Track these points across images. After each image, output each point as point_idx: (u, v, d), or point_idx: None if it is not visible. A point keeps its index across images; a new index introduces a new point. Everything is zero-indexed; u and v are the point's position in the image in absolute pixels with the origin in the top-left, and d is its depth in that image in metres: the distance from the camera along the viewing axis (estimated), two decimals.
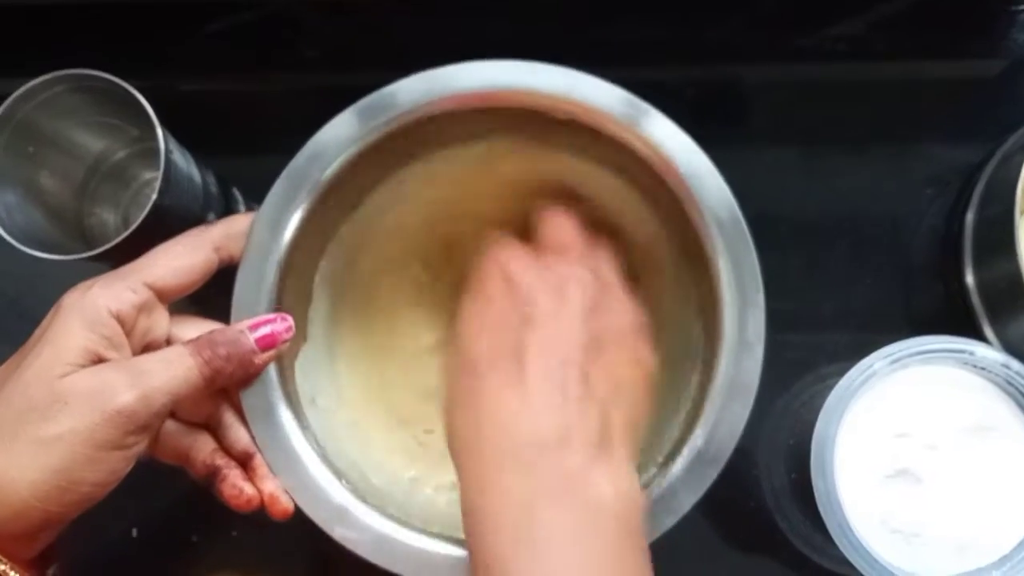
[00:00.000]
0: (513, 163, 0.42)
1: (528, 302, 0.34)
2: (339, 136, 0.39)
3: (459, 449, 0.33)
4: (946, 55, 0.52)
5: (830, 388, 0.41)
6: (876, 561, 0.39)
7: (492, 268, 0.37)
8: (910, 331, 0.48)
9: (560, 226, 0.39)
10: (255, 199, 0.51)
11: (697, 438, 0.36)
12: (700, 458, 0.36)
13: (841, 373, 0.41)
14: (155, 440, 0.37)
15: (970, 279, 0.47)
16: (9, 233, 0.39)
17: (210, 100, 0.54)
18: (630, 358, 0.35)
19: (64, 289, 0.44)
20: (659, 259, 0.42)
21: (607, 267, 0.38)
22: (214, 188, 0.46)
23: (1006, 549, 0.40)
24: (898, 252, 0.49)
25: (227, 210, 0.48)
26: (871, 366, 0.40)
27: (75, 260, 0.39)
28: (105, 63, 0.53)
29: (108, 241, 0.47)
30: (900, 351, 0.40)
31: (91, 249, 0.45)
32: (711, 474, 0.36)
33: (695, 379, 0.39)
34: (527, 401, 0.32)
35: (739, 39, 0.52)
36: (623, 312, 0.37)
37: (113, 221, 0.48)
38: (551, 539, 0.29)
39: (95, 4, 0.51)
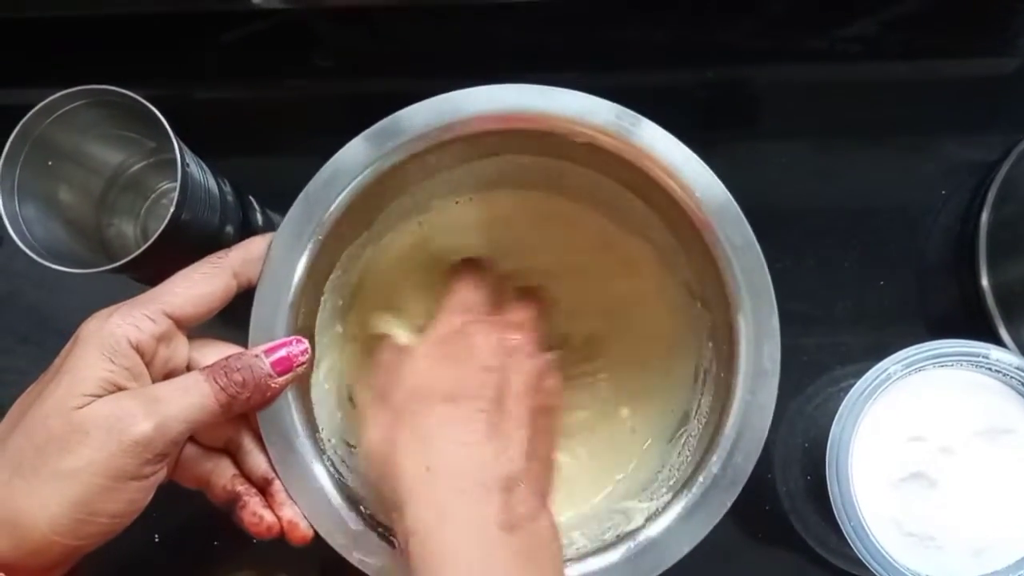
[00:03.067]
0: (525, 185, 0.43)
1: (481, 358, 0.38)
2: (353, 160, 0.39)
3: (412, 478, 0.34)
4: (960, 54, 0.51)
5: (844, 391, 0.41)
6: (891, 564, 0.39)
7: (453, 320, 0.40)
8: (925, 333, 0.48)
9: (467, 296, 0.41)
10: (271, 207, 0.51)
11: (713, 465, 0.36)
12: (716, 484, 0.36)
13: (856, 375, 0.41)
14: (176, 465, 0.37)
15: (985, 281, 0.47)
16: (29, 247, 0.39)
17: (225, 109, 0.54)
18: (551, 407, 0.39)
19: (85, 301, 0.45)
20: (675, 279, 0.43)
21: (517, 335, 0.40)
22: (231, 198, 0.47)
23: (1022, 553, 0.40)
24: (913, 253, 0.49)
25: (244, 219, 0.48)
26: (886, 370, 0.40)
27: (95, 273, 0.40)
28: (121, 74, 0.53)
29: (127, 252, 0.47)
30: (915, 355, 0.40)
31: (110, 260, 0.45)
32: (727, 500, 0.36)
33: (706, 402, 0.39)
34: (483, 441, 0.35)
35: (751, 41, 0.52)
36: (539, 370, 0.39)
37: (132, 232, 0.48)
38: (508, 570, 0.32)
39: (110, 16, 0.51)
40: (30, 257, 0.39)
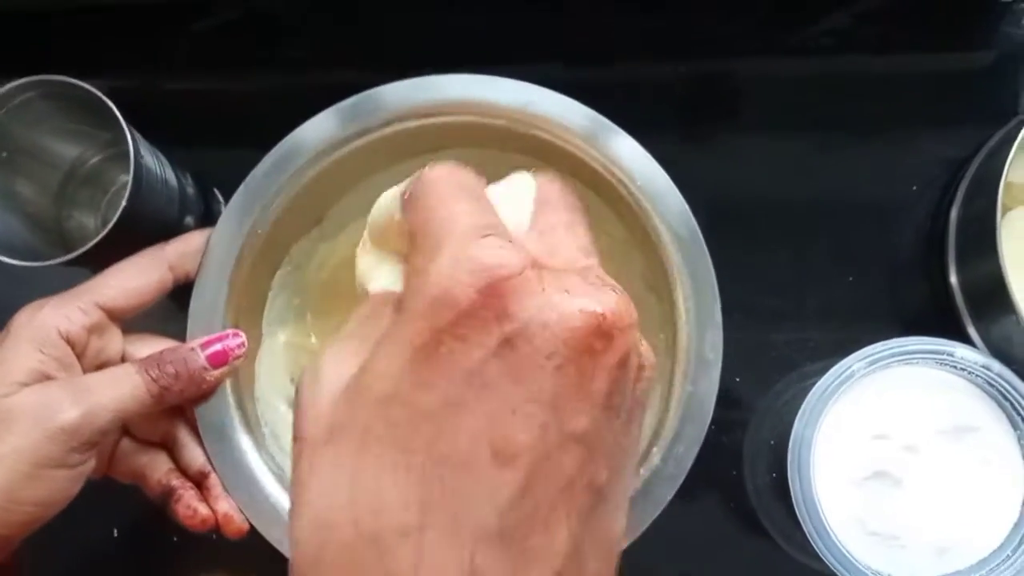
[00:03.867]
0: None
1: None
2: (296, 150, 0.38)
3: None
4: (934, 48, 0.51)
5: (812, 387, 0.41)
6: (852, 563, 0.38)
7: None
8: (895, 330, 0.48)
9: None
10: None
11: (654, 456, 0.36)
12: (658, 476, 0.36)
13: (824, 372, 0.41)
14: (111, 459, 0.37)
15: (954, 278, 0.46)
16: None
17: (194, 100, 0.54)
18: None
19: (42, 294, 0.45)
20: (630, 268, 0.42)
21: None
22: (191, 190, 0.46)
23: (985, 552, 0.40)
24: (884, 249, 0.49)
25: (206, 212, 0.48)
26: (849, 367, 0.40)
27: (51, 266, 0.39)
28: (90, 64, 0.53)
29: (87, 243, 0.47)
30: (879, 352, 0.40)
31: (70, 250, 0.45)
32: (668, 493, 0.36)
33: (655, 394, 0.39)
34: None
35: (725, 34, 0.52)
36: None
37: (92, 225, 0.48)
38: None
39: (80, 6, 0.50)
40: None
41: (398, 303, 0.22)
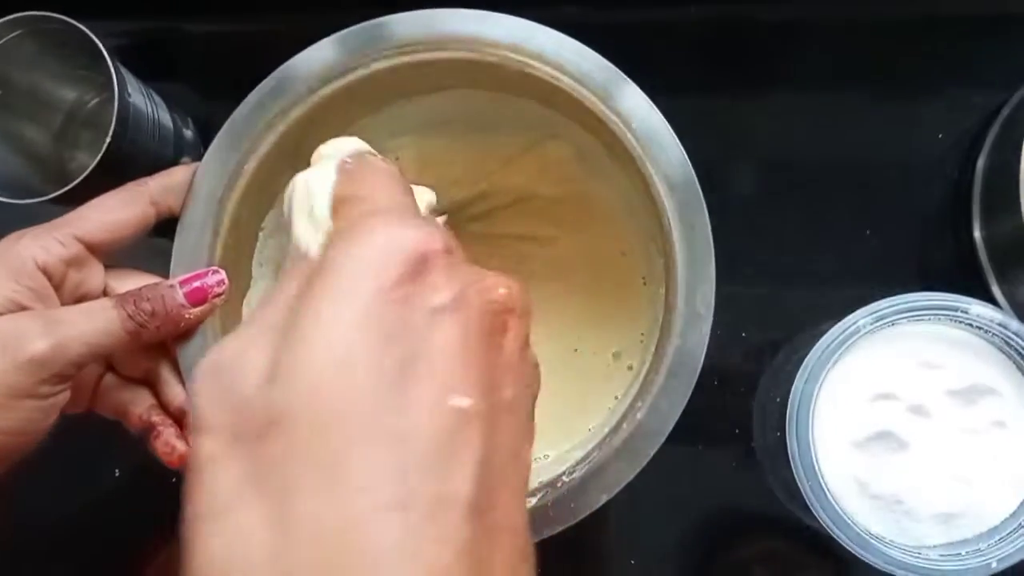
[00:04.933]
0: (476, 114, 0.41)
1: None
2: (291, 81, 0.37)
3: None
4: None
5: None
6: (850, 526, 0.37)
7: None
8: (915, 288, 0.46)
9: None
10: None
11: (638, 410, 0.34)
12: (640, 430, 0.34)
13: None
14: (94, 394, 0.37)
15: (978, 233, 0.44)
16: None
17: (197, 43, 0.53)
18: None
19: None
20: (635, 220, 0.41)
21: None
22: (190, 132, 0.46)
23: (996, 521, 0.38)
24: (908, 202, 0.46)
25: (198, 149, 0.47)
26: (855, 323, 0.38)
27: (45, 204, 0.39)
28: (93, 6, 0.52)
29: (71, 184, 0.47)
30: (886, 308, 0.38)
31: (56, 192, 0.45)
32: (650, 449, 0.34)
33: (649, 351, 0.38)
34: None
35: None
36: None
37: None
38: None
39: None
40: None
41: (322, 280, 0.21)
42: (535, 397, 0.23)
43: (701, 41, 0.50)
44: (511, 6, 0.50)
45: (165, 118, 0.43)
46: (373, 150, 0.28)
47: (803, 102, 0.49)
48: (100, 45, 0.38)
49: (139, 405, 0.37)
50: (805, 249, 0.47)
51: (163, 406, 0.38)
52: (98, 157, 0.38)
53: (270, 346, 0.20)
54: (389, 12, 0.38)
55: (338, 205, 0.24)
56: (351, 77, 0.38)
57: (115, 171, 0.39)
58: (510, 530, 0.20)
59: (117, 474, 0.47)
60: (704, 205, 0.36)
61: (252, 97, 0.38)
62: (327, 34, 0.45)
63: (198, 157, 0.46)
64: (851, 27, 0.48)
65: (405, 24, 0.37)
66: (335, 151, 0.28)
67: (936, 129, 0.46)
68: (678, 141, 0.37)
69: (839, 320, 0.41)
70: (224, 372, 0.20)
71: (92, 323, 0.33)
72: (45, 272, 0.34)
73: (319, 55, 0.37)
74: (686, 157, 0.37)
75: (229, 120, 0.37)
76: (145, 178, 0.37)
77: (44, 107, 0.45)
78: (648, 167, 0.36)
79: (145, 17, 0.52)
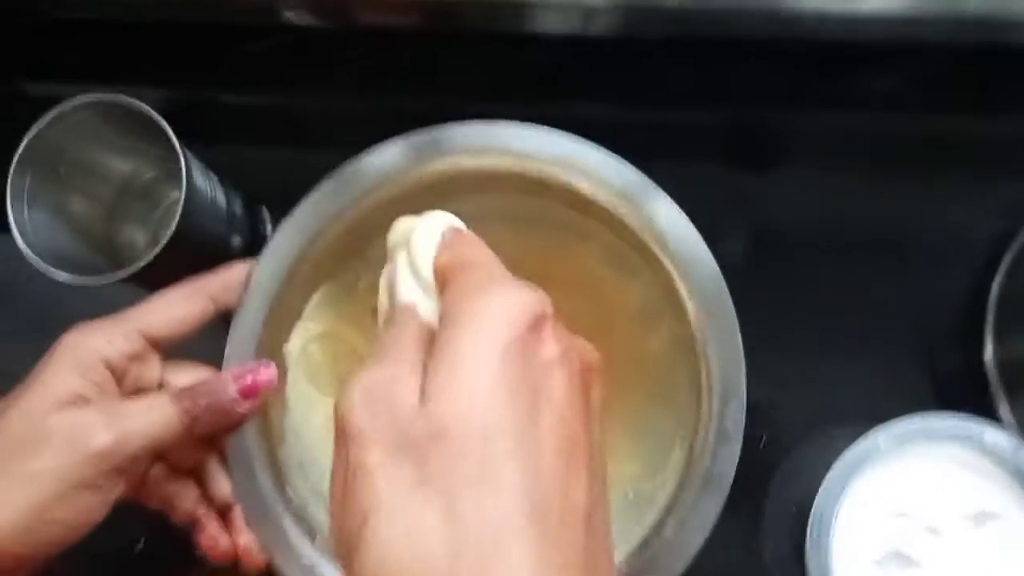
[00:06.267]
0: (519, 212, 0.43)
1: None
2: (350, 184, 0.39)
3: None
4: (983, 112, 0.50)
5: (837, 452, 0.41)
6: None
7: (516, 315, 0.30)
8: (924, 400, 0.48)
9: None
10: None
11: (667, 528, 0.36)
12: (668, 548, 0.35)
13: (848, 437, 0.41)
14: (141, 485, 0.38)
15: (989, 353, 0.45)
16: (38, 255, 0.40)
17: (245, 118, 0.55)
18: None
19: (88, 310, 0.46)
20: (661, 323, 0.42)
21: None
22: (239, 209, 0.47)
23: None
24: (920, 316, 0.48)
25: (253, 231, 0.49)
26: (875, 442, 0.40)
27: (100, 283, 0.41)
28: (142, 76, 0.54)
29: (138, 260, 0.48)
30: (906, 428, 0.40)
31: (119, 265, 0.46)
32: (678, 567, 0.35)
33: (680, 459, 0.39)
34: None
35: (769, 83, 0.52)
36: None
37: (143, 240, 0.49)
38: None
39: (137, 22, 0.52)
40: (35, 264, 0.40)
41: (448, 335, 0.26)
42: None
43: (722, 138, 0.53)
44: (542, 102, 0.53)
45: (220, 196, 0.44)
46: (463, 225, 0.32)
47: (818, 208, 0.51)
48: (168, 128, 0.40)
49: (186, 498, 0.38)
50: (812, 353, 0.49)
51: (208, 499, 0.39)
52: (164, 241, 0.39)
53: (415, 375, 0.25)
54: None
55: (450, 269, 0.29)
56: (408, 178, 0.39)
57: (177, 251, 0.40)
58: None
59: (139, 548, 0.48)
60: (736, 325, 0.37)
61: (313, 195, 0.39)
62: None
63: (247, 233, 0.47)
64: (870, 139, 0.50)
65: (460, 133, 0.39)
66: (434, 223, 0.32)
67: (952, 251, 0.48)
68: (713, 261, 0.38)
69: (852, 427, 0.43)
70: (378, 395, 0.25)
71: (152, 417, 0.34)
72: (109, 367, 0.35)
73: (382, 158, 0.39)
74: (719, 271, 0.39)
75: (289, 218, 0.39)
76: (206, 275, 0.38)
77: (98, 180, 0.46)
78: (682, 286, 0.37)
79: (177, 89, 0.54)
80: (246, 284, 0.38)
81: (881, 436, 0.39)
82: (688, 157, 0.52)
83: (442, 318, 0.27)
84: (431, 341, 0.27)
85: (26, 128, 0.42)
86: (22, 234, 0.40)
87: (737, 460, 0.36)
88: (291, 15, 0.50)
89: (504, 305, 0.26)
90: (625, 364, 0.44)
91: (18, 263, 0.51)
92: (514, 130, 0.39)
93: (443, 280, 0.29)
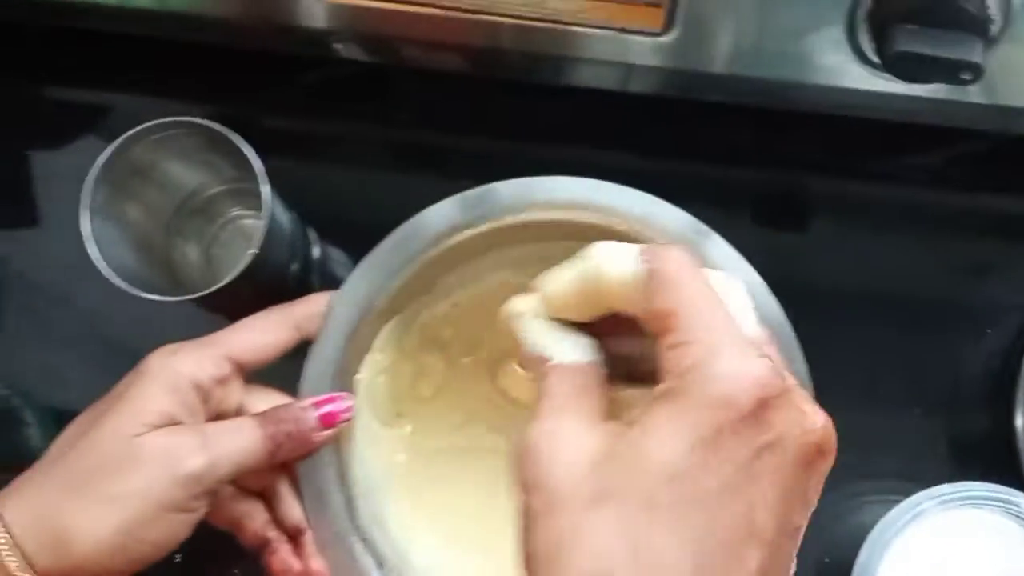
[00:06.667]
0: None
1: None
2: (419, 233, 0.40)
3: None
4: (1021, 193, 0.52)
5: (865, 505, 0.42)
6: None
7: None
8: (948, 462, 0.49)
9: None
10: (327, 238, 0.52)
11: None
12: None
13: (875, 492, 0.44)
14: (211, 504, 0.38)
15: (1020, 421, 0.47)
16: (110, 269, 0.40)
17: (296, 141, 0.55)
18: None
19: (143, 324, 0.46)
20: None
21: None
22: (300, 236, 0.47)
23: None
24: (950, 382, 0.50)
25: (306, 254, 0.49)
26: (919, 504, 0.41)
27: (168, 301, 0.41)
28: (203, 94, 0.54)
29: (190, 275, 0.48)
30: (949, 494, 0.41)
31: (173, 282, 0.46)
32: None
33: None
34: None
35: (816, 152, 0.53)
36: None
37: (195, 256, 0.49)
38: None
39: (200, 44, 0.52)
40: (93, 274, 0.40)
41: (670, 391, 0.25)
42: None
43: (755, 200, 0.54)
44: (584, 151, 0.54)
45: (287, 224, 0.44)
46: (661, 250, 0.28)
47: (853, 273, 0.52)
48: (255, 161, 0.40)
49: (255, 520, 0.38)
50: (841, 409, 0.50)
51: (277, 521, 0.39)
52: (242, 266, 0.39)
53: (580, 433, 0.26)
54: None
55: (662, 321, 0.26)
56: (469, 231, 0.40)
57: (250, 276, 0.40)
58: None
59: (177, 559, 0.47)
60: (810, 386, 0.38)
61: (388, 241, 0.40)
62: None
63: (301, 256, 0.47)
64: (907, 212, 0.52)
65: (508, 190, 0.40)
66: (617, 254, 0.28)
67: (984, 322, 0.50)
68: (774, 297, 0.40)
69: (878, 482, 0.44)
70: (541, 452, 0.26)
71: (240, 442, 0.35)
72: (197, 390, 0.35)
73: (445, 212, 0.40)
74: (783, 311, 0.40)
75: (367, 259, 0.39)
76: (291, 304, 0.39)
77: (162, 195, 0.46)
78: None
79: (232, 106, 0.54)
80: (326, 315, 0.38)
81: (926, 499, 0.41)
82: (723, 212, 0.54)
83: (665, 372, 0.25)
84: (594, 377, 0.28)
85: (99, 139, 0.42)
86: (99, 246, 0.40)
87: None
88: (341, 48, 0.51)
89: (729, 381, 0.24)
90: None
91: (71, 271, 0.51)
92: (554, 184, 0.40)
93: (659, 329, 0.26)
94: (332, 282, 0.52)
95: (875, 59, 0.40)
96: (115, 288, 0.42)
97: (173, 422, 0.34)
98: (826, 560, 0.47)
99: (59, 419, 0.51)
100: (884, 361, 0.50)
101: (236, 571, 0.47)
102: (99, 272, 0.49)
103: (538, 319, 0.30)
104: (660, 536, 0.23)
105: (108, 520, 0.32)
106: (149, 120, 0.41)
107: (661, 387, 0.25)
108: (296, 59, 0.53)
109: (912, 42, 0.36)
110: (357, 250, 0.52)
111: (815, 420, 0.25)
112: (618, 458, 0.25)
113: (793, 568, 0.26)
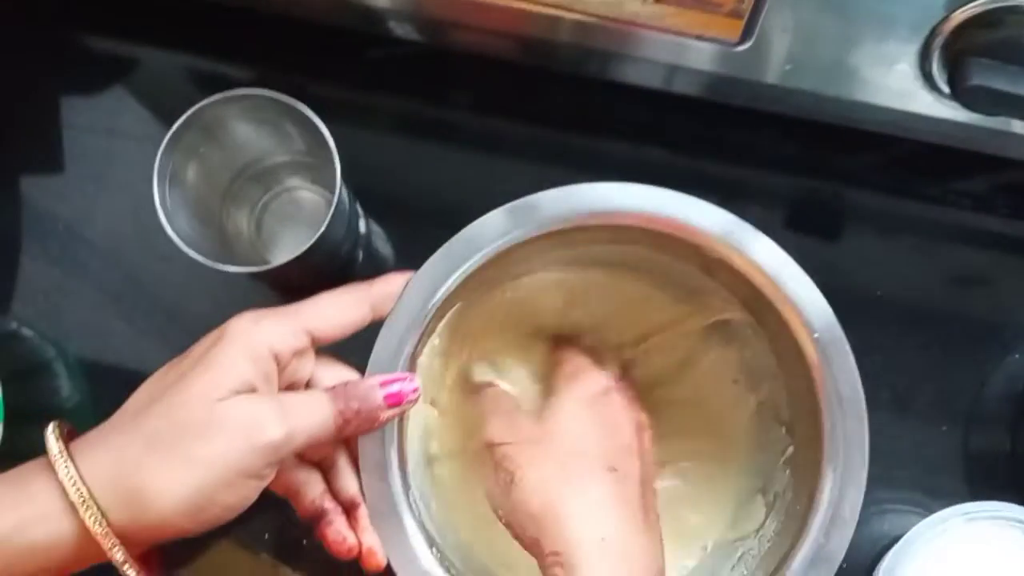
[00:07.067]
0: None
1: None
2: (495, 227, 0.40)
3: (588, 544, 0.37)
4: None
5: (885, 513, 0.44)
6: None
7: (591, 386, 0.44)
8: (968, 478, 0.51)
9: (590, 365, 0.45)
10: (378, 221, 0.53)
11: None
12: None
13: (891, 501, 0.45)
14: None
15: None
16: (180, 237, 0.40)
17: (353, 116, 0.55)
18: None
19: (185, 287, 0.49)
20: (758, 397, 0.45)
21: None
22: (353, 212, 0.48)
23: None
24: (976, 401, 0.51)
25: (357, 233, 0.49)
26: (946, 520, 0.43)
27: (240, 271, 0.41)
28: (268, 60, 0.54)
29: (240, 242, 0.48)
30: (976, 512, 0.43)
31: (225, 248, 0.46)
32: None
33: (772, 526, 0.41)
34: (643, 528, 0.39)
35: (860, 166, 0.54)
36: None
37: (246, 223, 0.49)
38: None
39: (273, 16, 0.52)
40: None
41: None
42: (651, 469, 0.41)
43: (806, 206, 0.54)
44: (636, 150, 0.54)
45: (347, 202, 0.45)
46: None
47: (876, 290, 0.53)
48: (332, 145, 0.40)
49: (312, 490, 0.39)
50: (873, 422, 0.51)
51: (332, 493, 0.39)
52: (310, 243, 0.40)
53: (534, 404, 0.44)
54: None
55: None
56: (517, 236, 0.41)
57: (314, 253, 0.41)
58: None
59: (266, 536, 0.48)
60: (866, 419, 0.40)
61: (459, 237, 0.40)
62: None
63: (353, 234, 0.48)
64: (947, 233, 0.53)
65: (551, 199, 0.41)
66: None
67: (1010, 347, 0.52)
68: (853, 360, 0.40)
69: (894, 492, 0.46)
70: (505, 413, 0.43)
71: (314, 416, 0.35)
72: (276, 360, 0.35)
73: (498, 220, 0.40)
74: (832, 312, 0.41)
75: (447, 245, 0.40)
76: (369, 282, 0.39)
77: (224, 163, 0.46)
78: (825, 376, 0.39)
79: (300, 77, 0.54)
80: (400, 296, 0.39)
81: (954, 515, 0.43)
82: (756, 214, 0.54)
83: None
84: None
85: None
86: (165, 214, 0.40)
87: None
88: (397, 28, 0.51)
89: (587, 383, 0.42)
90: (722, 432, 0.46)
91: (121, 226, 0.51)
92: (596, 190, 0.41)
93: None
94: (375, 257, 0.52)
95: (944, 88, 0.41)
96: (160, 247, 0.42)
97: (251, 389, 0.35)
98: (844, 565, 0.48)
99: (90, 374, 0.52)
100: (912, 376, 0.52)
101: (266, 536, 0.48)
102: (145, 229, 0.50)
103: None
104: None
105: (188, 481, 0.33)
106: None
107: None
108: (348, 32, 0.53)
109: (988, 76, 0.37)
110: (397, 226, 0.53)
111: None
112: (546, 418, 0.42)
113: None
